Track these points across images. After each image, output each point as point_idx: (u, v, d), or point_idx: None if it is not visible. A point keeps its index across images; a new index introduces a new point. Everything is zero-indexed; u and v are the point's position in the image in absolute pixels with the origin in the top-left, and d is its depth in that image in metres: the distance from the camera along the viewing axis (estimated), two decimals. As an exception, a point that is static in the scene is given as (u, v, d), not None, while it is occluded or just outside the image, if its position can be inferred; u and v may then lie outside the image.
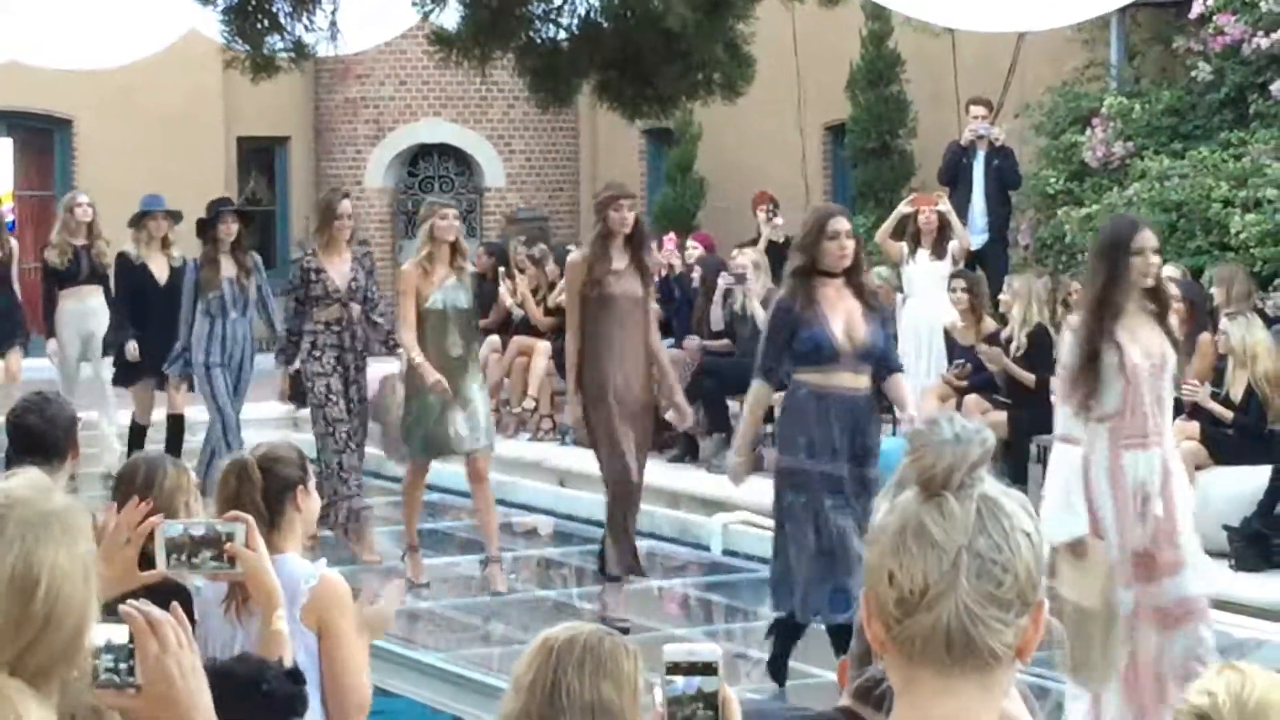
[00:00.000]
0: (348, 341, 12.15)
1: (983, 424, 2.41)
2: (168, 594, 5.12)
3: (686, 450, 14.67)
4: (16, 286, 15.98)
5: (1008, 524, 2.31)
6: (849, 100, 19.45)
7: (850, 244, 9.04)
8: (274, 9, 9.86)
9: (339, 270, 12.14)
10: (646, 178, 23.29)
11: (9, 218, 18.01)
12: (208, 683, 3.98)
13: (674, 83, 10.02)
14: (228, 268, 13.26)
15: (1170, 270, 13.28)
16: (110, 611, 2.61)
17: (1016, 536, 2.31)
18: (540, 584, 12.32)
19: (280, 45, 9.95)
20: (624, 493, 10.80)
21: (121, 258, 14.57)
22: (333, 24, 9.90)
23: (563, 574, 12.51)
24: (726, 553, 12.62)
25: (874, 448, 9.14)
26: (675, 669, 2.74)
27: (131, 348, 14.27)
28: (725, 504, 12.89)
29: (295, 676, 4.33)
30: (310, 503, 5.33)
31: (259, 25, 9.80)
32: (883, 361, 9.22)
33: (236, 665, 4.18)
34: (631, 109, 10.55)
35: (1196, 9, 15.66)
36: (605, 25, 9.99)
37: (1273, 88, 15.03)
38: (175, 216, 14.69)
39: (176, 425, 14.43)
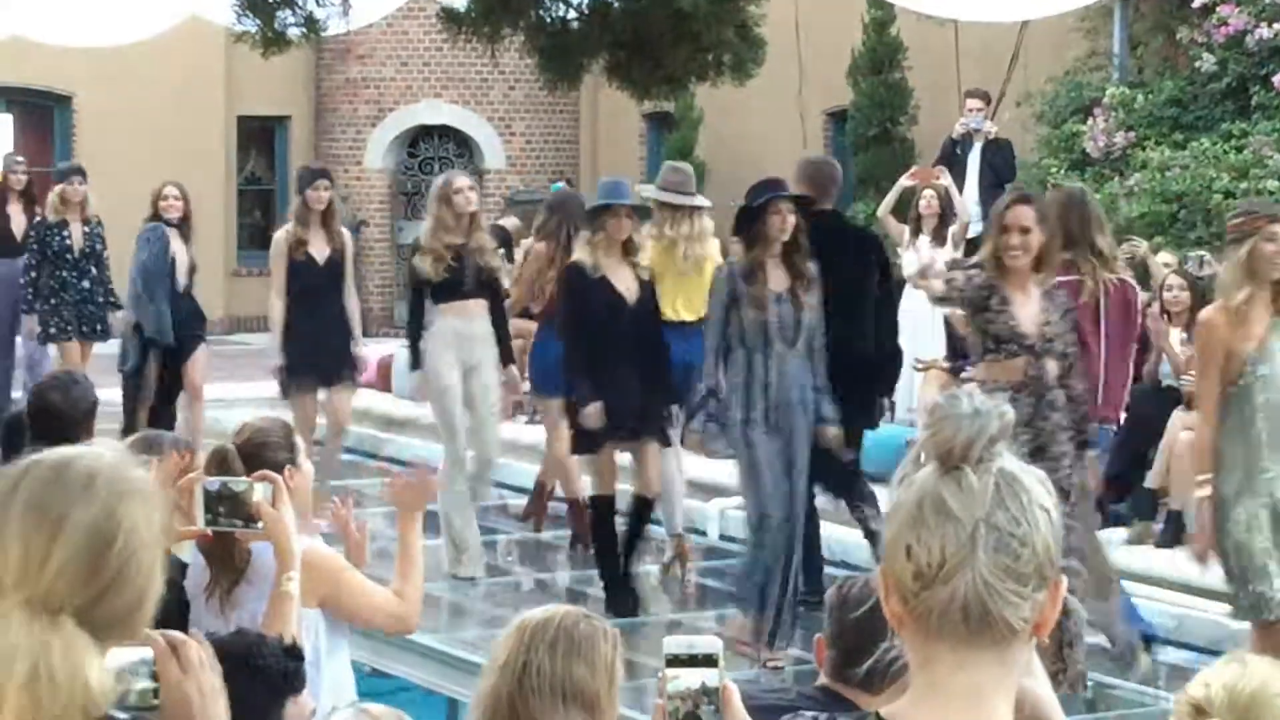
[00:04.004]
0: (1044, 419, 8.04)
1: (1002, 399, 2.40)
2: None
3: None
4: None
5: (1026, 499, 2.32)
6: (850, 87, 19.47)
7: None
8: (286, -17, 9.86)
9: (1025, 306, 8.14)
10: (646, 161, 23.27)
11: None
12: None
13: (684, 64, 10.00)
14: (777, 279, 9.46)
15: (1166, 256, 13.32)
16: None
17: (1035, 511, 2.32)
18: (535, 567, 12.34)
19: (291, 20, 9.92)
20: None
21: (573, 270, 10.43)
22: (344, -1, 9.90)
23: (560, 558, 12.49)
24: (723, 538, 12.61)
25: None
26: (675, 661, 2.72)
27: (593, 412, 10.20)
28: (722, 489, 12.88)
29: (293, 652, 4.33)
30: (301, 480, 5.31)
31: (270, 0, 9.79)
32: None
33: (231, 640, 4.19)
34: (641, 90, 10.53)
35: (1199, -1, 15.67)
36: (615, 5, 9.98)
37: (1275, 79, 15.03)
38: (642, 213, 10.76)
39: (642, 513, 10.65)
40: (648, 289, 10.42)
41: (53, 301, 14.60)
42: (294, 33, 10.01)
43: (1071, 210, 9.14)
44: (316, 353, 12.21)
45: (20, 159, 16.40)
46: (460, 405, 11.08)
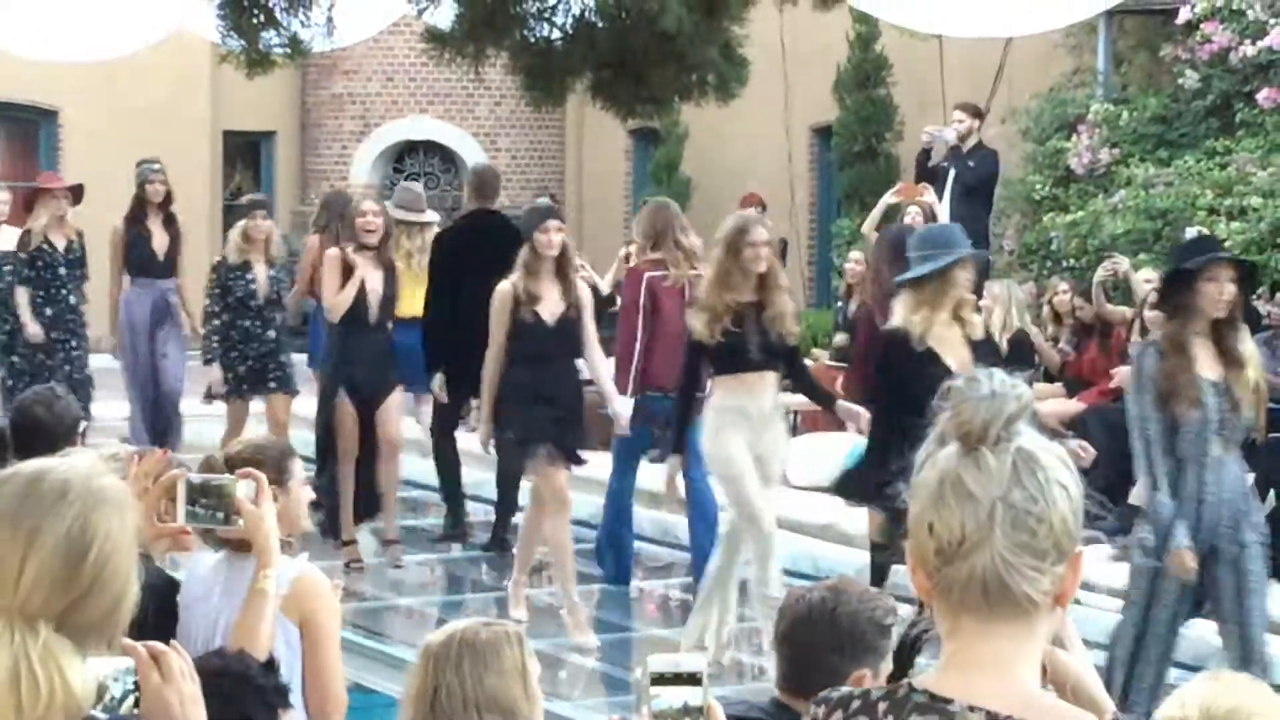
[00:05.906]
0: None
1: (1020, 379, 2.49)
2: (150, 587, 5.13)
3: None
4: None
5: (1043, 476, 2.41)
6: (836, 103, 19.50)
7: None
8: (270, 4, 9.87)
9: None
10: (632, 177, 23.31)
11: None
12: (200, 682, 4.00)
13: (668, 83, 10.05)
14: (1207, 363, 7.73)
15: (1148, 273, 13.36)
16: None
17: (1052, 489, 2.40)
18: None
19: (275, 40, 9.95)
20: None
21: (894, 341, 8.55)
22: (329, 19, 9.91)
23: (548, 574, 12.49)
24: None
25: None
26: (660, 680, 2.73)
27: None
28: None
29: (272, 667, 4.34)
30: (289, 500, 5.28)
31: (254, 20, 9.80)
32: None
33: (226, 662, 4.19)
34: (625, 109, 10.57)
35: (1184, 16, 15.69)
36: (599, 25, 10.02)
37: (1259, 96, 15.06)
38: (985, 264, 8.44)
39: None
40: (982, 353, 8.30)
41: (232, 355, 13.10)
42: (278, 53, 10.03)
43: (658, 215, 10.68)
44: (550, 424, 10.27)
45: (158, 166, 14.16)
46: (758, 486, 9.27)
